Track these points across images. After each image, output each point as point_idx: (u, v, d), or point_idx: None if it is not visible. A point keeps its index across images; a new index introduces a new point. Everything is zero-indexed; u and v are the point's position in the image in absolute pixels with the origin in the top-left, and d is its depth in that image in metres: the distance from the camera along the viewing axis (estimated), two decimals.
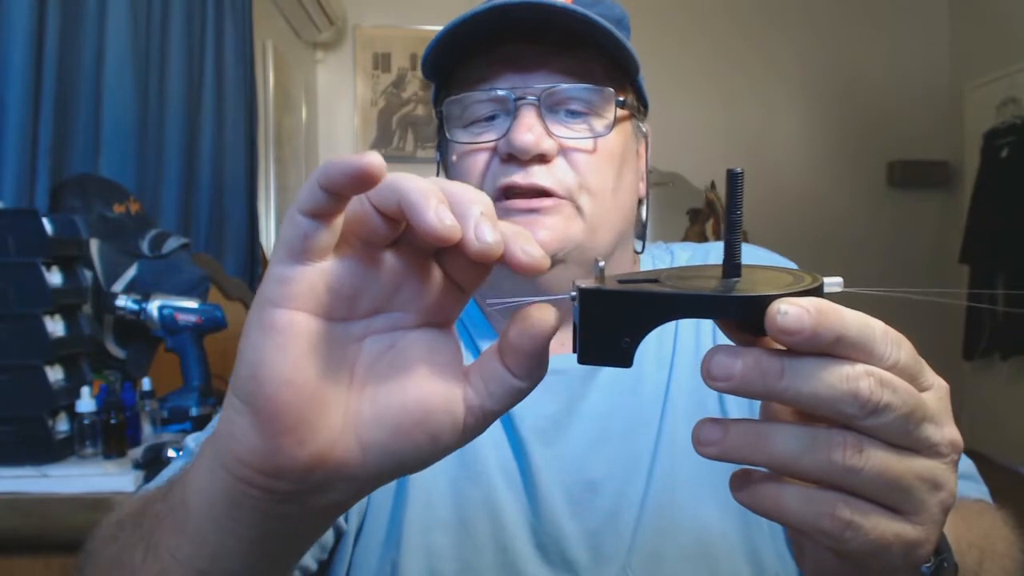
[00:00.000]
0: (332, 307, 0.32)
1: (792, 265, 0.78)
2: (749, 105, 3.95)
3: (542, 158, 0.66)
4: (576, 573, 0.67)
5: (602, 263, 0.36)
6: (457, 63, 0.70)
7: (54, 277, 1.26)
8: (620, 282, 0.35)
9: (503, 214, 0.67)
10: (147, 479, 1.17)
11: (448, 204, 0.31)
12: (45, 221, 1.26)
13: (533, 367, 0.35)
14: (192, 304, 1.54)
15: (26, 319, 1.20)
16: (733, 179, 0.35)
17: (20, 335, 1.20)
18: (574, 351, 0.36)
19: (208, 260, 2.13)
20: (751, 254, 0.79)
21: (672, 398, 0.71)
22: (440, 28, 0.67)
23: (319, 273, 0.32)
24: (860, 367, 0.31)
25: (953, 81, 3.94)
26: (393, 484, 0.69)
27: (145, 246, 1.66)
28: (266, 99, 3.03)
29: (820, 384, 0.31)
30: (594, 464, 0.69)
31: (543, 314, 0.34)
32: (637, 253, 0.78)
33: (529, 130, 0.65)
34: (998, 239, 3.35)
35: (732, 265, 0.36)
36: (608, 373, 0.72)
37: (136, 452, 1.25)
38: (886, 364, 0.32)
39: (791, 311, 0.31)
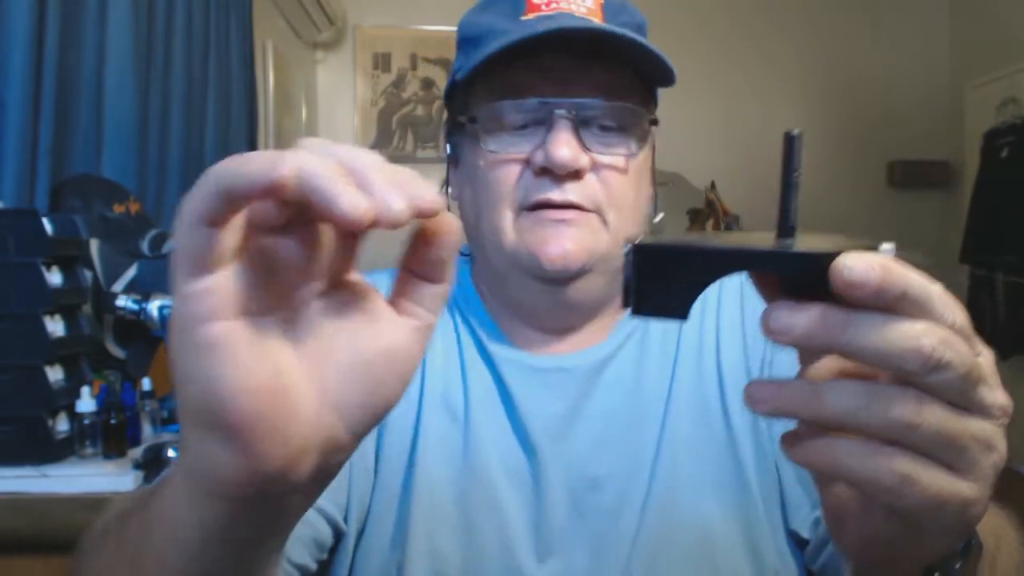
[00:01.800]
0: (254, 302, 0.32)
1: None
2: (749, 105, 3.95)
3: (576, 174, 0.66)
4: (578, 571, 0.67)
5: (658, 216, 0.37)
6: (489, 70, 0.68)
7: (54, 277, 1.26)
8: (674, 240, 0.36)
9: (532, 223, 0.67)
10: (147, 479, 1.17)
11: (353, 181, 0.30)
12: (45, 221, 1.26)
13: (450, 269, 0.36)
14: None
15: (26, 319, 1.21)
16: (790, 141, 0.36)
17: (20, 335, 1.20)
18: (625, 306, 0.36)
19: None
20: None
21: (675, 396, 0.71)
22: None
23: (233, 276, 0.31)
24: (922, 324, 0.32)
25: (953, 81, 3.94)
26: (398, 487, 0.69)
27: (145, 246, 1.66)
28: (266, 99, 3.03)
29: (883, 339, 0.32)
30: (598, 462, 0.69)
31: (453, 223, 0.34)
32: None
33: (567, 145, 0.65)
34: (998, 239, 3.35)
35: (787, 227, 0.36)
36: (613, 372, 0.73)
37: (136, 452, 1.25)
38: (945, 324, 0.33)
39: (859, 265, 0.31)
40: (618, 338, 0.74)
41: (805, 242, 0.35)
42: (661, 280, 0.35)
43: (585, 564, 0.67)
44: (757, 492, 0.69)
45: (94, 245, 1.52)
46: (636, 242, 0.35)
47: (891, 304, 0.32)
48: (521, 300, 0.72)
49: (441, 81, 3.87)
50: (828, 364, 0.36)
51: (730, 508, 0.68)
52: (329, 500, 0.65)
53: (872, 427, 0.33)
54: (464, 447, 0.70)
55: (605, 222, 0.68)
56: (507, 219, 0.68)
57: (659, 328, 0.75)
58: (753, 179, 3.91)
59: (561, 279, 0.68)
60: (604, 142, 0.68)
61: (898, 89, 3.96)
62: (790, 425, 0.75)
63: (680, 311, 0.35)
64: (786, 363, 0.71)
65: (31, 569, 1.12)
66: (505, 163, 0.68)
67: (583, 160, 0.66)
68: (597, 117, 0.67)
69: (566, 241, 0.66)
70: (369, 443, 0.69)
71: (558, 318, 0.73)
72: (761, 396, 0.34)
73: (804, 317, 0.32)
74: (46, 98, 1.57)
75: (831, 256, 0.32)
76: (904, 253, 0.34)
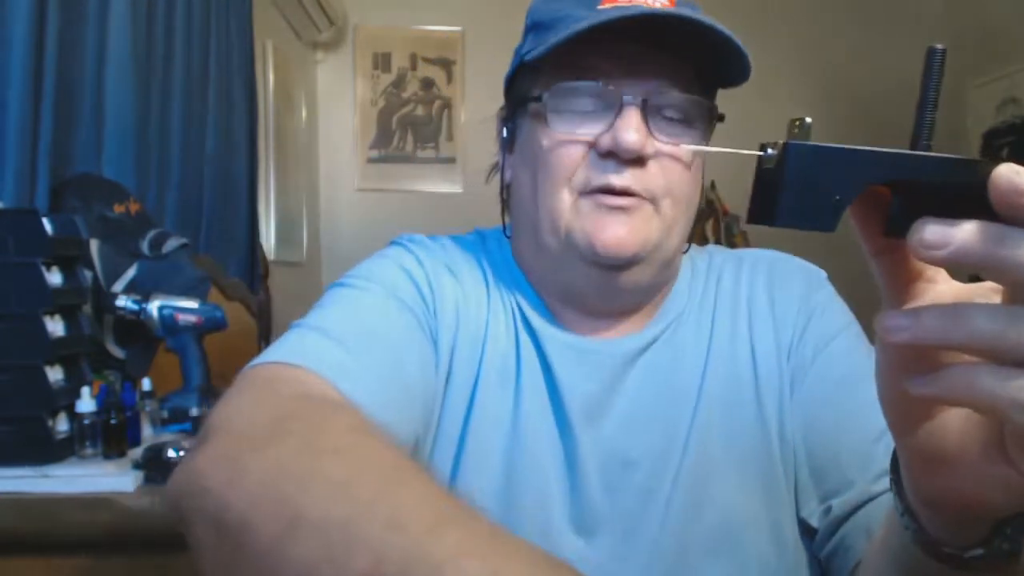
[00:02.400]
0: None
1: (808, 269, 0.80)
2: (748, 104, 3.94)
3: (639, 160, 0.67)
4: (608, 548, 0.68)
5: (808, 120, 0.35)
6: (561, 51, 0.68)
7: (54, 277, 1.25)
8: None
9: (591, 207, 0.68)
10: (147, 479, 1.17)
11: None
12: (45, 221, 1.26)
13: None
14: (192, 304, 1.53)
15: (26, 319, 1.20)
16: (933, 55, 0.35)
17: (20, 335, 1.20)
18: (754, 219, 0.35)
19: (208, 260, 2.13)
20: (755, 255, 0.81)
21: (709, 381, 0.73)
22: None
23: None
24: None
25: (953, 81, 3.94)
26: (454, 444, 0.70)
27: (145, 246, 1.66)
28: (266, 99, 3.03)
29: None
30: (632, 443, 0.71)
31: None
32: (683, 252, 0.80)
33: (635, 130, 0.65)
34: None
35: (924, 144, 0.35)
36: (649, 356, 0.74)
37: (136, 452, 1.24)
38: None
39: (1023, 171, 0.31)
40: (656, 328, 0.75)
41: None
42: (810, 184, 0.33)
43: (616, 541, 0.68)
44: (782, 477, 0.70)
45: (94, 245, 1.52)
46: (785, 142, 0.33)
47: None
48: (572, 283, 0.73)
49: (441, 81, 3.87)
50: (943, 293, 0.37)
51: (757, 491, 0.70)
52: (406, 427, 0.64)
53: (1014, 348, 0.33)
54: (513, 416, 0.71)
55: (658, 211, 0.69)
56: (565, 201, 0.69)
57: (694, 314, 0.76)
58: (753, 179, 3.90)
59: (614, 265, 0.69)
60: (669, 132, 0.68)
61: (898, 89, 3.96)
62: (807, 420, 0.75)
63: (829, 221, 0.33)
64: (811, 349, 0.73)
65: (31, 569, 1.12)
66: (570, 144, 0.68)
67: (649, 148, 0.66)
68: (664, 107, 0.68)
69: (621, 228, 0.67)
70: (437, 396, 0.70)
71: (607, 303, 0.74)
72: (899, 324, 0.34)
73: (960, 231, 0.32)
74: (46, 98, 1.57)
75: (992, 164, 0.31)
76: None
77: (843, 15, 3.99)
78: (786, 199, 0.33)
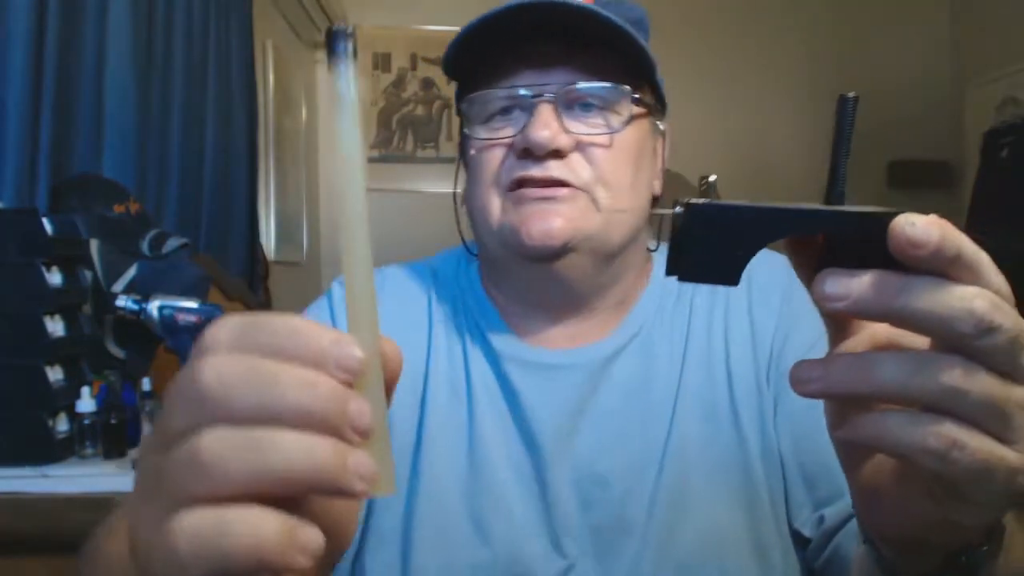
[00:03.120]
0: None
1: (785, 275, 0.79)
2: (749, 105, 3.95)
3: (557, 153, 0.67)
4: (586, 568, 0.67)
5: (713, 177, 0.36)
6: (478, 61, 0.70)
7: (54, 277, 1.25)
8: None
9: (516, 202, 0.68)
10: None
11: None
12: (45, 221, 1.26)
13: None
14: (192, 304, 1.53)
15: (26, 319, 1.20)
16: (845, 104, 0.35)
17: (20, 335, 1.20)
18: (671, 272, 0.35)
19: (208, 260, 2.13)
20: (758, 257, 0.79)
21: (684, 395, 0.72)
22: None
23: None
24: (973, 288, 0.32)
25: (953, 81, 3.94)
26: (404, 482, 0.70)
27: (145, 246, 1.66)
28: (266, 99, 3.03)
29: (938, 302, 0.32)
30: (605, 460, 0.70)
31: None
32: (651, 251, 0.79)
33: (545, 126, 0.66)
34: (998, 239, 3.34)
35: (837, 193, 0.35)
36: (618, 370, 0.73)
37: (136, 452, 1.24)
38: (992, 289, 0.33)
39: (919, 223, 0.31)
40: (623, 336, 0.74)
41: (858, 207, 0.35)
42: (714, 242, 0.34)
43: (595, 559, 0.67)
44: (764, 491, 0.69)
45: (94, 245, 1.52)
46: (688, 201, 0.34)
47: (945, 266, 0.32)
48: (516, 282, 0.73)
49: (441, 81, 3.87)
50: (863, 339, 0.36)
51: (738, 507, 0.68)
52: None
53: (921, 396, 0.33)
54: (469, 444, 0.71)
55: (595, 201, 0.68)
56: (494, 202, 0.70)
57: (666, 327, 0.75)
58: (753, 179, 3.91)
59: (546, 256, 0.68)
60: (588, 121, 0.68)
61: (898, 89, 3.96)
62: (796, 430, 0.73)
63: (732, 276, 0.34)
64: (792, 359, 0.71)
65: (31, 569, 1.12)
66: (491, 147, 0.70)
67: (561, 140, 0.66)
68: (581, 99, 0.68)
69: (550, 217, 0.67)
70: None
71: (553, 296, 0.73)
72: (809, 376, 0.34)
73: (858, 283, 0.32)
74: (46, 98, 1.57)
75: (892, 215, 0.32)
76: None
77: (843, 15, 3.98)
78: (689, 257, 0.34)
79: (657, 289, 0.77)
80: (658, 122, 0.75)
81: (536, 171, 0.67)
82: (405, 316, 0.77)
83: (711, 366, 0.73)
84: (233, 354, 0.29)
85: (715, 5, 3.92)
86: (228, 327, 0.31)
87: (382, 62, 3.87)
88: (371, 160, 3.89)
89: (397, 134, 3.88)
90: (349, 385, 0.29)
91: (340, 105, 0.32)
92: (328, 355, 0.29)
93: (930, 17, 4.00)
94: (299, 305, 0.84)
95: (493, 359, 0.74)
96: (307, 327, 0.30)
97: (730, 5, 3.92)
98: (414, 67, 3.87)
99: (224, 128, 2.49)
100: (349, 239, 0.32)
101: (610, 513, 0.68)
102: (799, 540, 0.70)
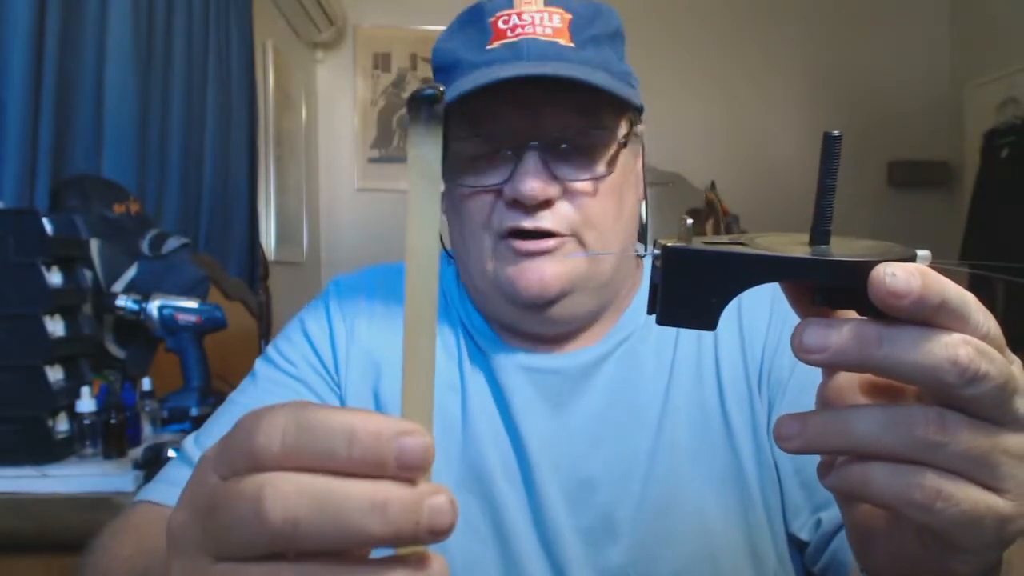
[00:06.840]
0: None
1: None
2: (750, 105, 3.95)
3: (546, 203, 0.67)
4: (575, 569, 0.67)
5: (690, 221, 0.35)
6: (459, 100, 0.68)
7: (54, 277, 1.25)
8: (705, 243, 0.34)
9: (509, 254, 0.68)
10: (147, 479, 1.17)
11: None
12: (45, 221, 1.26)
13: None
14: (192, 304, 1.54)
15: (26, 319, 1.20)
16: (830, 142, 0.34)
17: (20, 335, 1.20)
18: (651, 312, 0.35)
19: (208, 260, 2.13)
20: None
21: (672, 404, 0.71)
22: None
23: None
24: (958, 335, 0.31)
25: (953, 81, 3.94)
26: None
27: (145, 246, 1.66)
28: (266, 99, 3.03)
29: (920, 352, 0.31)
30: (590, 463, 0.70)
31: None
32: (639, 257, 0.79)
33: (533, 178, 0.65)
34: (998, 239, 3.34)
35: (822, 231, 0.35)
36: (605, 374, 0.73)
37: (136, 452, 1.24)
38: (979, 334, 0.32)
39: (900, 273, 0.31)
40: (612, 341, 0.74)
41: (840, 247, 0.34)
42: (690, 287, 0.33)
43: (584, 562, 0.67)
44: (758, 496, 0.69)
45: (94, 245, 1.52)
46: (665, 244, 0.33)
47: (929, 314, 0.31)
48: (507, 317, 0.73)
49: None
50: (849, 376, 0.36)
51: (731, 512, 0.68)
52: None
53: (897, 450, 0.32)
54: (463, 446, 0.71)
55: (582, 243, 0.68)
56: (487, 246, 0.69)
57: (655, 332, 0.75)
58: (753, 179, 3.91)
59: (542, 305, 0.69)
60: (574, 166, 0.68)
61: (898, 89, 3.96)
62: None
63: (708, 320, 0.34)
64: (785, 367, 0.71)
65: (31, 569, 1.12)
66: (478, 196, 0.69)
67: (551, 191, 0.66)
68: (566, 143, 0.67)
69: (543, 270, 0.67)
70: None
71: (548, 331, 0.74)
72: (788, 433, 0.34)
73: (837, 335, 0.32)
74: (46, 98, 1.57)
75: (871, 264, 0.31)
76: (938, 261, 0.34)
77: (844, 15, 3.99)
78: (666, 300, 0.34)
79: (646, 294, 0.77)
80: (636, 132, 0.74)
81: (527, 223, 0.66)
82: (401, 313, 0.76)
83: (701, 373, 0.73)
84: (290, 477, 0.27)
85: (718, 5, 3.92)
86: (278, 432, 0.28)
87: (382, 62, 3.87)
88: (371, 160, 3.89)
89: (397, 134, 3.88)
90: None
91: (421, 189, 0.28)
92: (389, 461, 0.27)
93: (930, 17, 4.01)
94: (299, 305, 0.84)
95: (485, 363, 0.74)
96: (363, 427, 0.27)
97: (732, 5, 3.92)
98: (414, 67, 3.87)
99: (224, 128, 2.49)
100: (413, 341, 0.29)
101: (597, 516, 0.68)
102: (797, 544, 0.70)
